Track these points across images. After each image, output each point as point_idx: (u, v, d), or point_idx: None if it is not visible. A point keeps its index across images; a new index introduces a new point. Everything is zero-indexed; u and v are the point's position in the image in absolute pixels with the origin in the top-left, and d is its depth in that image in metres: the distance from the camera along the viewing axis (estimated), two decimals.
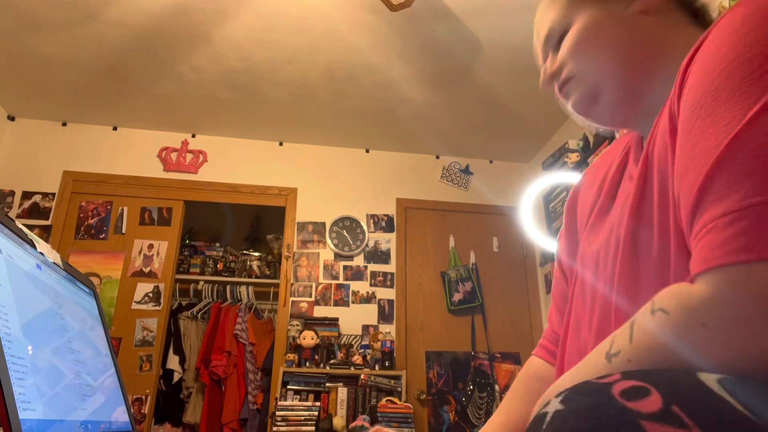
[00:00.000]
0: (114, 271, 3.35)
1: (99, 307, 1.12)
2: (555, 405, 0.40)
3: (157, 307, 3.33)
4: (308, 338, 3.21)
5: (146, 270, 3.40)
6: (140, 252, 3.43)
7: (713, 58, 0.49)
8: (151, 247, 3.46)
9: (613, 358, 0.48)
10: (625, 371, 0.42)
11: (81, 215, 3.47)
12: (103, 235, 3.44)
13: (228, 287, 3.88)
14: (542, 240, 3.44)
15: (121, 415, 0.97)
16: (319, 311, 3.45)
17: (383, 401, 3.06)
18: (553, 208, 3.34)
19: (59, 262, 0.95)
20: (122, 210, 3.51)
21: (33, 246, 0.84)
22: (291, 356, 3.18)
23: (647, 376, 0.39)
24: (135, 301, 3.31)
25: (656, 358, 0.44)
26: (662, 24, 0.68)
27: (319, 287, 3.52)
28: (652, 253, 0.58)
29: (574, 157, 3.05)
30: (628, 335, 0.47)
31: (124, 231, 3.46)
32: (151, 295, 3.35)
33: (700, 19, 0.70)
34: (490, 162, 4.07)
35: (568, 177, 3.07)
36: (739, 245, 0.41)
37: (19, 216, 3.37)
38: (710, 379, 0.38)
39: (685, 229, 0.49)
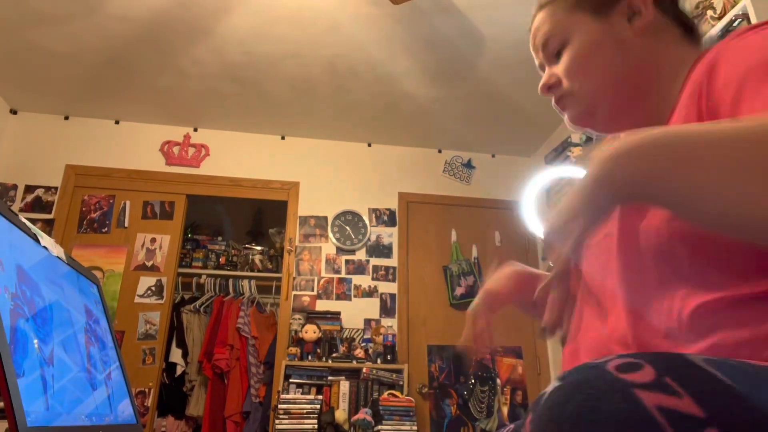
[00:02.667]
0: (117, 264, 3.36)
1: (102, 301, 1.12)
2: (553, 384, 0.42)
3: (160, 301, 3.34)
4: (310, 332, 3.22)
5: (149, 264, 3.41)
6: (143, 246, 3.44)
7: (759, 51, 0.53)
8: (153, 240, 3.47)
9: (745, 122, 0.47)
10: (621, 354, 0.43)
11: (84, 209, 3.48)
12: (106, 229, 3.45)
13: (230, 281, 3.89)
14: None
15: (125, 407, 0.97)
16: (322, 305, 3.46)
17: (385, 394, 3.07)
18: (555, 202, 3.33)
19: (63, 256, 0.95)
20: (125, 204, 3.52)
21: (37, 240, 0.84)
22: (293, 350, 3.19)
23: (640, 355, 0.41)
24: (138, 295, 3.32)
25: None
26: (658, 43, 0.70)
27: (321, 281, 3.53)
28: (643, 246, 0.60)
29: (577, 151, 3.05)
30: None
31: (126, 225, 3.47)
32: (153, 288, 3.36)
33: (690, 33, 0.73)
34: (493, 156, 4.07)
35: (570, 171, 3.06)
36: None
37: (21, 210, 3.38)
38: (697, 358, 0.40)
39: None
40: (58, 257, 0.91)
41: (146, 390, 3.15)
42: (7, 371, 0.59)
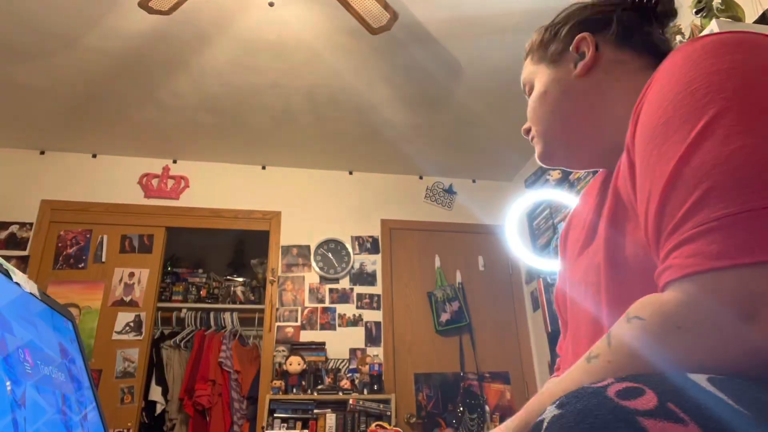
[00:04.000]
0: (94, 301, 3.27)
1: (78, 339, 1.08)
2: (551, 411, 0.40)
3: (139, 337, 3.25)
4: (295, 364, 3.15)
5: (127, 299, 3.33)
6: (121, 281, 3.36)
7: (660, 95, 0.54)
8: (132, 275, 3.39)
9: (593, 359, 0.49)
10: (618, 376, 0.42)
11: (59, 245, 3.40)
12: (83, 265, 3.36)
13: (211, 314, 3.80)
14: (527, 257, 3.45)
15: None
16: (306, 336, 3.39)
17: (373, 426, 3.00)
18: (537, 226, 3.36)
19: (36, 292, 0.91)
20: (102, 238, 3.45)
21: (8, 277, 0.81)
22: (277, 383, 3.11)
23: (640, 377, 0.40)
24: (115, 332, 3.23)
25: (635, 362, 0.46)
26: (606, 80, 0.73)
27: (305, 311, 3.47)
28: (630, 271, 0.59)
29: (555, 174, 3.09)
30: (606, 342, 0.49)
31: (104, 260, 3.39)
32: (132, 324, 3.27)
33: (660, 58, 0.73)
34: (473, 181, 4.10)
35: (550, 194, 3.10)
36: (709, 252, 0.43)
37: None
38: (700, 378, 0.39)
39: (651, 246, 0.52)
40: (31, 294, 0.88)
41: (125, 431, 3.03)
42: None
